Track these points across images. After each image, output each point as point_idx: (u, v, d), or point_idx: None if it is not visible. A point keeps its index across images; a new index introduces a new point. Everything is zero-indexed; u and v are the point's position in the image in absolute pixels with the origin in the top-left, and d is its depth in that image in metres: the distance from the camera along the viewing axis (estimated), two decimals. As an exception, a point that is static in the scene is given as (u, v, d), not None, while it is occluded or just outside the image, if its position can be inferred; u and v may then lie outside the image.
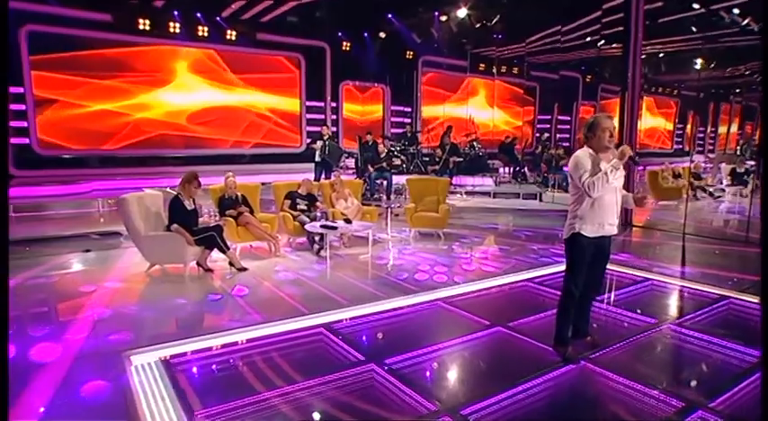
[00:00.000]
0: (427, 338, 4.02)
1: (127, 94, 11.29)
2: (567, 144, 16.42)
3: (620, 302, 4.90)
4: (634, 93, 8.75)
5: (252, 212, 6.62)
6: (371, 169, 10.58)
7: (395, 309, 4.67)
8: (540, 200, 10.75)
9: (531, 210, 9.81)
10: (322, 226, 6.44)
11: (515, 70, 16.17)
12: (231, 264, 5.74)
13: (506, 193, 11.05)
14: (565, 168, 12.40)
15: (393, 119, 15.53)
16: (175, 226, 5.33)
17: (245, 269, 5.76)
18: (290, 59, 13.53)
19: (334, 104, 14.34)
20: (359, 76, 14.27)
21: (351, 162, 12.08)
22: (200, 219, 5.94)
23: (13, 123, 9.84)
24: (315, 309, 4.59)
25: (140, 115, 11.51)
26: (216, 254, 5.75)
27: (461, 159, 11.37)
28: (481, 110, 16.39)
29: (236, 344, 3.85)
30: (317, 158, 10.14)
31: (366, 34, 13.84)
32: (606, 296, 5.04)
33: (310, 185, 7.43)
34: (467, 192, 11.06)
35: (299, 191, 7.32)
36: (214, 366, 3.51)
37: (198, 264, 5.68)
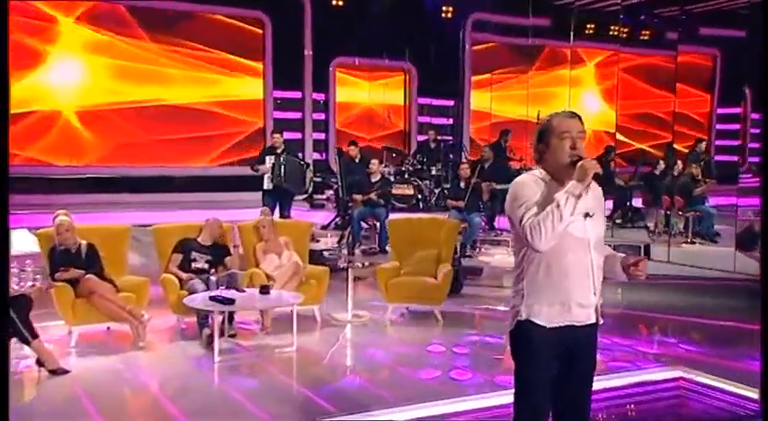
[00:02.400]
0: None
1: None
2: (733, 157, 15.73)
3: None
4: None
5: (101, 274, 6.54)
6: (357, 202, 10.49)
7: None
8: (648, 256, 10.23)
9: (626, 276, 9.38)
10: (212, 298, 6.26)
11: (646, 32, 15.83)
12: (40, 362, 5.60)
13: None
14: (708, 201, 11.80)
15: (423, 119, 15.48)
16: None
17: (63, 371, 5.62)
18: (247, 22, 13.77)
19: (320, 97, 14.43)
20: (361, 49, 14.31)
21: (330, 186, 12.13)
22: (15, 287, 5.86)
23: None
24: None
25: None
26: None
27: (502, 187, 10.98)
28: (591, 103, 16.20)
29: None
30: (267, 185, 10.12)
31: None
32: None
33: (218, 230, 7.38)
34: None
35: (199, 239, 7.29)
36: None
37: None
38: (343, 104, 14.88)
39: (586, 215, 3.02)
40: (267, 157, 10.15)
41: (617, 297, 8.91)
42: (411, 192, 11.67)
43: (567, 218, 2.92)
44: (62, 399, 5.20)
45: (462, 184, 10.21)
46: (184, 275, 6.95)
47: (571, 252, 3.04)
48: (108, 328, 6.78)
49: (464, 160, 12.18)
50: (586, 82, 17.84)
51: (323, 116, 14.53)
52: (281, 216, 10.05)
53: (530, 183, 3.08)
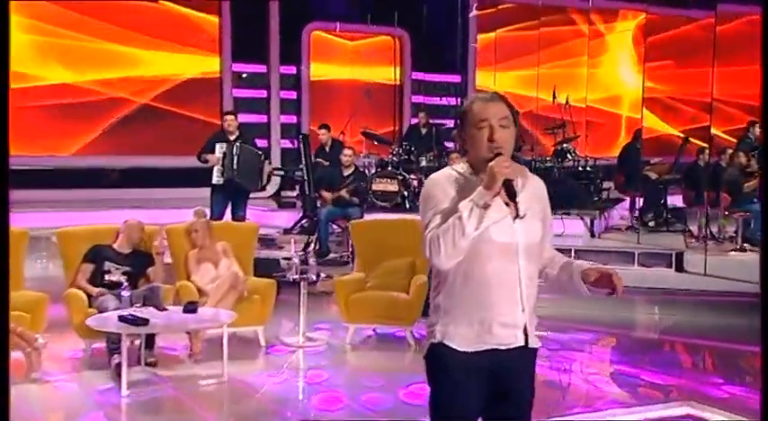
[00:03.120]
0: None
1: None
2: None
3: None
4: None
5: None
6: (327, 200, 10.52)
7: None
8: (680, 268, 10.23)
9: (654, 292, 9.49)
10: (121, 318, 6.18)
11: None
12: None
13: (610, 251, 10.52)
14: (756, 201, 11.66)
15: (418, 98, 15.41)
16: None
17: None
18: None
19: (290, 70, 14.38)
20: (340, 12, 14.33)
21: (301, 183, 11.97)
22: None
23: None
24: None
25: None
26: None
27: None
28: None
29: None
30: (217, 179, 10.04)
31: None
32: None
33: (139, 235, 7.36)
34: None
35: (116, 245, 7.28)
36: None
37: None
38: (319, 81, 14.88)
39: (517, 216, 3.03)
40: (218, 145, 10.03)
41: (653, 318, 8.99)
42: (395, 187, 11.50)
43: (472, 233, 2.95)
44: None
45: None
46: (94, 290, 6.91)
47: (494, 260, 3.06)
48: (-4, 358, 6.72)
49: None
50: (621, 52, 17.77)
51: (293, 95, 14.53)
52: (234, 217, 10.05)
53: (442, 181, 3.13)
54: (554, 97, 13.55)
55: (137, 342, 6.63)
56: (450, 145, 13.26)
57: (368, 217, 10.25)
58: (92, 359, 6.82)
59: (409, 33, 15.22)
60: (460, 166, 3.18)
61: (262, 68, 14.22)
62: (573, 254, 10.55)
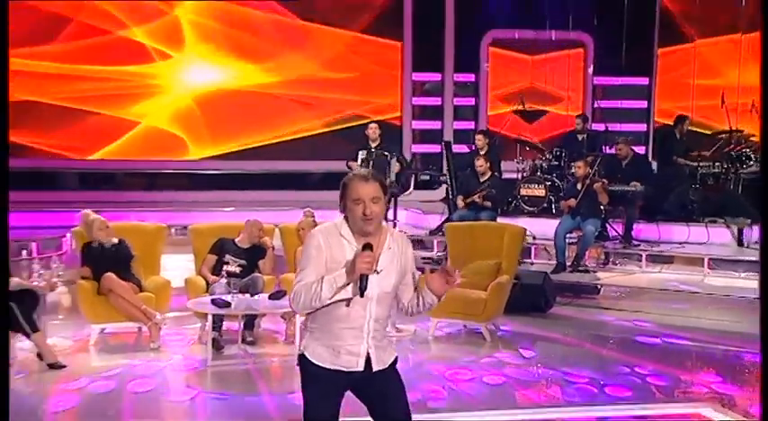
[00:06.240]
0: None
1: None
2: None
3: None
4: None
5: (127, 272, 8.24)
6: (462, 204, 11.68)
7: None
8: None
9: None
10: (213, 302, 7.69)
11: None
12: (40, 355, 7.42)
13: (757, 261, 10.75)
14: None
15: (605, 103, 16.02)
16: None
17: (60, 366, 7.36)
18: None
19: (469, 78, 15.66)
20: (524, 20, 15.27)
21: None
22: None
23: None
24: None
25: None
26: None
27: (635, 188, 11.48)
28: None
29: None
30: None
31: None
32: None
33: (258, 233, 8.79)
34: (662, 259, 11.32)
35: (237, 241, 8.77)
36: None
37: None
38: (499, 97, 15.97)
39: (375, 271, 3.70)
40: (360, 152, 11.51)
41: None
42: (542, 192, 12.43)
43: (327, 300, 3.71)
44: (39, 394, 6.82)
45: (579, 185, 10.96)
46: (211, 278, 8.43)
47: (346, 306, 3.81)
48: (139, 329, 8.42)
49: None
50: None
51: (472, 101, 15.74)
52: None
53: (319, 239, 3.83)
54: (722, 102, 13.56)
55: (237, 322, 8.14)
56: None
57: (512, 221, 10.94)
58: (204, 336, 8.15)
59: (595, 38, 15.86)
60: (341, 223, 3.84)
61: (436, 77, 15.48)
62: (705, 263, 11.01)
